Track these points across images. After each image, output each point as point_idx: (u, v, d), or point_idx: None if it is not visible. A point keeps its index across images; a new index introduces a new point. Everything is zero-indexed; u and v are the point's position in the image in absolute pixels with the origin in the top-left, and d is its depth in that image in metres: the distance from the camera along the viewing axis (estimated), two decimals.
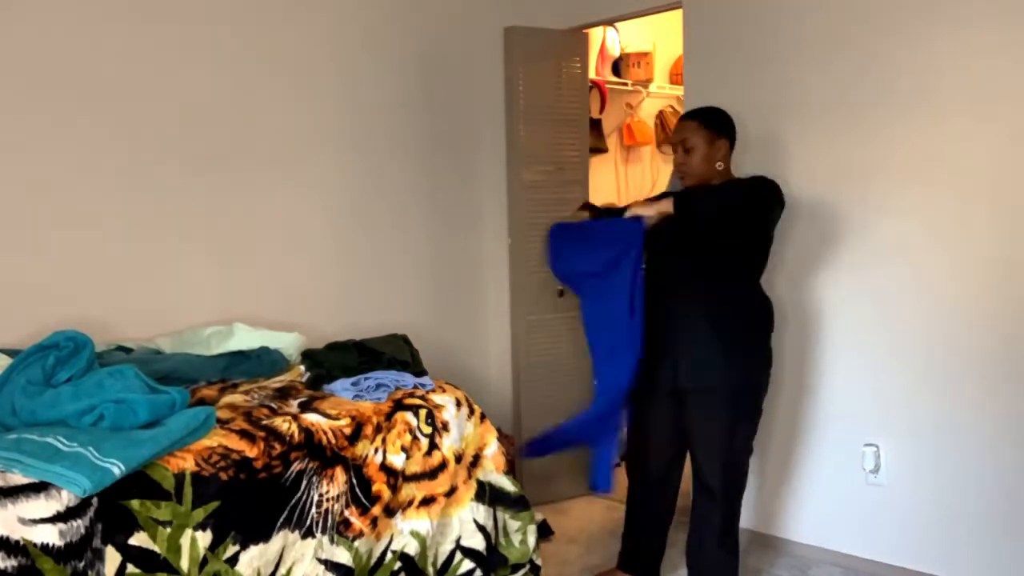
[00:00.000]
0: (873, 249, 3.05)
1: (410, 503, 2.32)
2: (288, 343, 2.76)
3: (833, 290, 3.16)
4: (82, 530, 1.75)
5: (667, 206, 2.54)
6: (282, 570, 2.07)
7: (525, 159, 3.84)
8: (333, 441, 2.19)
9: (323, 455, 2.16)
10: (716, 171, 2.70)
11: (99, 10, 2.73)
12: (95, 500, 1.77)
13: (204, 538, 1.92)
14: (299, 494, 2.09)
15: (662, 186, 5.05)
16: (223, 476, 1.96)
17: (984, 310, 2.83)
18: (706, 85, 3.45)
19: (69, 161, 2.69)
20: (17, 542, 1.68)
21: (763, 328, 2.73)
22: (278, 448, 2.08)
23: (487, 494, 2.49)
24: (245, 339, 2.68)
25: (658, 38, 5.07)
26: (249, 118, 3.09)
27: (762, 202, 2.60)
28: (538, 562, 2.61)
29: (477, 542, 2.44)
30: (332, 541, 2.14)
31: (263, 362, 2.65)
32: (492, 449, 2.54)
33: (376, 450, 2.27)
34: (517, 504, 2.55)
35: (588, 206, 2.95)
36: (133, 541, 1.83)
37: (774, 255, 2.78)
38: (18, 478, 1.73)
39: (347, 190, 3.40)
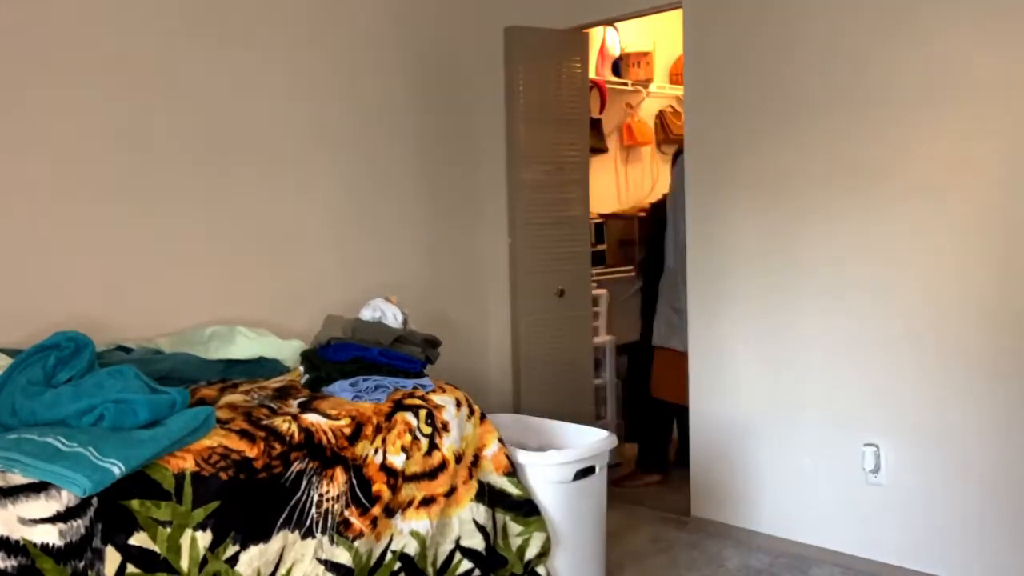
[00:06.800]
0: (872, 248, 3.05)
1: (410, 503, 2.32)
2: (288, 353, 2.73)
3: (833, 289, 3.16)
4: (82, 530, 1.75)
5: None
6: (282, 570, 2.06)
7: (525, 159, 3.84)
8: (333, 441, 2.19)
9: (323, 455, 2.16)
10: None
11: (97, 10, 2.73)
12: (95, 500, 1.77)
13: (204, 538, 1.92)
14: (299, 494, 2.09)
15: (662, 186, 5.05)
16: (223, 476, 1.96)
17: (984, 310, 2.83)
18: (706, 85, 3.45)
19: (69, 161, 2.68)
20: (17, 542, 1.68)
21: None
22: (278, 448, 2.08)
23: (487, 495, 2.49)
24: (245, 347, 2.67)
25: (658, 38, 5.07)
26: (250, 118, 3.09)
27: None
28: (540, 571, 2.55)
29: (476, 542, 2.44)
30: (332, 541, 2.14)
31: (263, 367, 2.65)
32: (492, 449, 2.54)
33: (376, 450, 2.27)
34: (521, 508, 2.54)
35: None
36: (133, 541, 1.83)
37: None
38: (18, 478, 1.72)
39: (348, 190, 3.39)
